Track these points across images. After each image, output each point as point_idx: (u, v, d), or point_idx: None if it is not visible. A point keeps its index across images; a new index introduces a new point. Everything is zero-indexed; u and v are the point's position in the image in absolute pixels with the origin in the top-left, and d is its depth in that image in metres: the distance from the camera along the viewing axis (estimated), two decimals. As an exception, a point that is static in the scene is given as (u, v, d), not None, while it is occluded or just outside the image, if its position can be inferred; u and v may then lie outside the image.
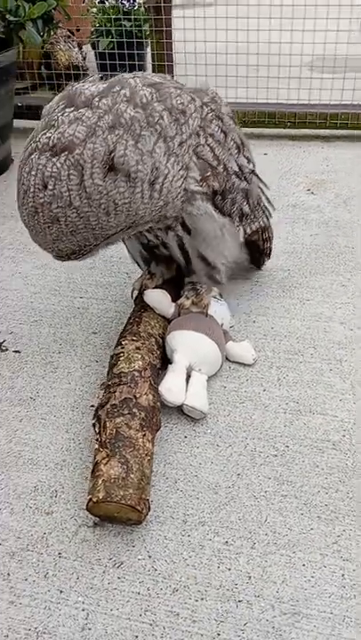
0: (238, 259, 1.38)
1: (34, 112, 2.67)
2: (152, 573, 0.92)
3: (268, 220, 1.48)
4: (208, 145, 1.15)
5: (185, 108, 1.11)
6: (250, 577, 0.90)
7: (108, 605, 0.88)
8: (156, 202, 1.08)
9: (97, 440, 1.04)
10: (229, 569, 0.92)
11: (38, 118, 2.90)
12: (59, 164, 0.99)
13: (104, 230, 1.07)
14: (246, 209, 1.35)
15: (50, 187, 1.00)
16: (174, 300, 1.34)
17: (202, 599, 0.88)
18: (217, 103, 1.23)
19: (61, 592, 0.91)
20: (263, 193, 1.44)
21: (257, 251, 1.54)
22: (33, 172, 1.01)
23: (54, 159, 0.99)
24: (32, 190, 1.02)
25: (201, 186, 1.15)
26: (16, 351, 1.41)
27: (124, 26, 2.73)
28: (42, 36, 2.23)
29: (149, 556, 0.94)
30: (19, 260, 1.77)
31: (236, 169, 1.26)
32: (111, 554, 0.95)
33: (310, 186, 2.09)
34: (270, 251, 1.57)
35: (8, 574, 0.93)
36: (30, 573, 0.93)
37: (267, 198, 1.46)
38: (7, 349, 1.42)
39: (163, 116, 1.07)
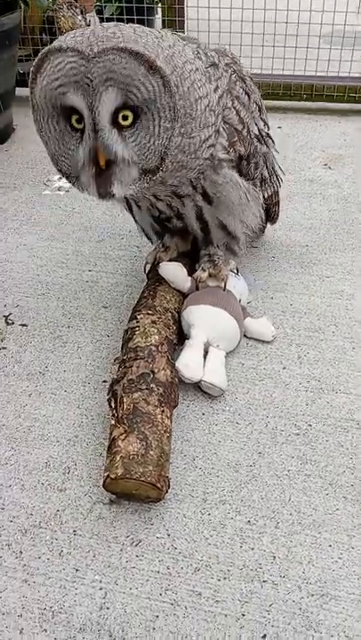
0: (257, 225, 1.32)
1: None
2: (172, 552, 0.88)
3: (279, 184, 1.43)
4: (234, 108, 1.09)
5: (217, 62, 1.06)
6: (274, 557, 0.87)
7: (126, 584, 0.85)
8: (187, 152, 1.01)
9: (113, 416, 0.99)
10: (253, 548, 0.88)
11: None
12: None
13: (193, 143, 1.01)
14: (265, 173, 1.30)
15: None
16: (190, 273, 1.29)
17: (225, 579, 0.85)
18: (237, 64, 1.17)
19: (77, 570, 0.87)
20: (275, 158, 1.39)
21: (266, 215, 1.48)
22: None
23: None
24: None
25: (228, 152, 1.09)
26: (23, 324, 1.36)
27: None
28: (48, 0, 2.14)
29: (168, 535, 0.91)
30: (23, 231, 1.71)
31: (257, 132, 1.21)
32: (128, 532, 0.92)
33: (327, 160, 2.03)
34: (278, 215, 1.51)
35: (20, 552, 0.90)
36: (44, 551, 0.90)
37: (278, 164, 1.41)
38: (13, 323, 1.37)
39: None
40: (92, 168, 0.98)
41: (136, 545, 0.90)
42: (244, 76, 1.16)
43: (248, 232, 1.27)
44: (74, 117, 0.97)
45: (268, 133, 1.31)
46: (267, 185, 1.33)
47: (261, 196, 1.29)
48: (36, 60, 0.96)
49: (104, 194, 1.01)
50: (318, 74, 2.38)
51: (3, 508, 0.96)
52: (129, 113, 0.96)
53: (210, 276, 1.27)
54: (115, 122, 0.95)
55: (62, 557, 0.89)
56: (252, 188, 1.21)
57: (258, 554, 0.87)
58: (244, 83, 1.15)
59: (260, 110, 1.23)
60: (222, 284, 1.26)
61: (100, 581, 0.85)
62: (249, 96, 1.15)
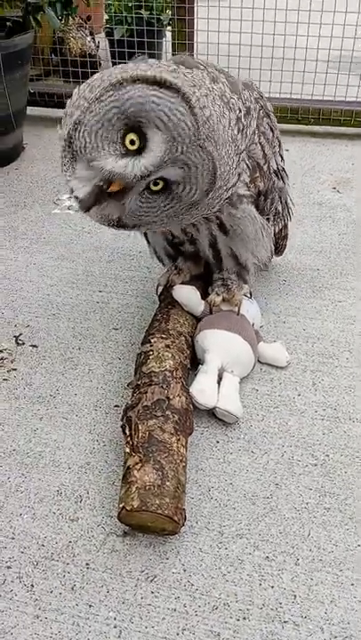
0: (267, 259, 1.32)
1: (46, 100, 2.60)
2: (188, 589, 0.86)
3: (290, 217, 1.43)
4: (260, 143, 1.10)
5: (251, 106, 1.06)
6: (295, 596, 0.84)
7: (142, 622, 0.82)
8: (212, 196, 1.02)
9: (127, 443, 0.97)
10: (272, 586, 0.85)
11: (51, 106, 2.83)
12: None
13: (180, 224, 1.04)
14: (279, 208, 1.31)
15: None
16: (203, 296, 1.28)
17: (244, 618, 0.82)
18: (263, 98, 1.18)
19: (90, 606, 0.84)
20: (288, 192, 1.39)
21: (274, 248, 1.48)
22: None
23: None
24: None
25: (249, 189, 1.09)
26: (33, 345, 1.34)
27: (141, 14, 2.66)
28: (60, 20, 2.15)
29: (184, 570, 0.88)
30: (33, 250, 1.70)
31: (275, 167, 1.21)
32: (143, 566, 0.89)
33: (336, 184, 2.03)
34: (285, 248, 1.51)
35: (32, 585, 0.87)
36: (56, 585, 0.87)
37: (290, 197, 1.41)
38: (24, 343, 1.35)
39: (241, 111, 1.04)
40: (100, 181, 0.96)
41: (151, 580, 0.87)
42: (269, 112, 1.18)
43: (258, 264, 1.27)
44: (132, 137, 0.93)
45: (283, 167, 1.31)
46: (279, 219, 1.34)
47: (272, 231, 1.29)
48: (151, 71, 0.91)
49: (83, 203, 0.98)
50: (326, 98, 2.39)
51: (13, 538, 0.93)
52: (162, 183, 0.97)
53: (224, 300, 1.26)
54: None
55: (75, 592, 0.86)
56: (266, 223, 1.21)
57: (278, 592, 0.85)
58: (270, 119, 1.16)
59: (280, 145, 1.24)
60: (236, 309, 1.25)
61: (115, 618, 0.82)
62: (273, 132, 1.17)
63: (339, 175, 2.10)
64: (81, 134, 0.96)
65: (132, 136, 0.92)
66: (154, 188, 0.97)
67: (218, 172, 0.97)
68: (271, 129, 1.16)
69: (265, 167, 1.13)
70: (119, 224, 1.01)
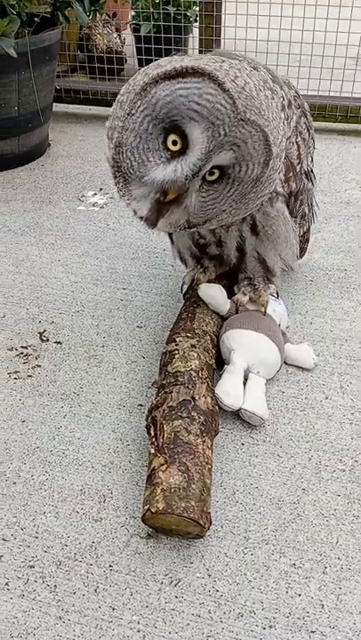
0: (292, 262, 1.29)
1: (72, 96, 2.60)
2: (213, 594, 0.84)
3: (314, 220, 1.40)
4: (296, 143, 1.07)
5: (291, 100, 1.04)
6: (323, 605, 0.82)
7: (165, 628, 0.80)
8: (272, 166, 0.98)
9: (152, 444, 0.96)
10: (299, 595, 0.83)
11: (76, 102, 2.83)
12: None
13: (247, 208, 1.01)
14: (306, 210, 1.28)
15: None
16: (229, 295, 1.26)
17: (270, 627, 0.80)
18: (300, 98, 1.15)
19: (114, 609, 0.83)
20: (314, 194, 1.36)
21: None
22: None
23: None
24: None
25: (283, 187, 1.07)
26: (57, 342, 1.33)
27: (167, 10, 2.64)
28: (88, 16, 2.15)
29: (209, 575, 0.86)
30: (58, 246, 1.69)
31: (306, 169, 1.19)
32: (167, 569, 0.87)
33: (364, 183, 1.99)
34: (306, 252, 1.48)
35: (55, 586, 0.86)
36: (79, 586, 0.86)
37: (315, 198, 1.38)
38: (48, 340, 1.34)
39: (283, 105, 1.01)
40: (156, 194, 0.95)
41: (175, 585, 0.85)
42: (306, 112, 1.15)
43: (284, 268, 1.24)
44: (173, 138, 0.91)
45: (312, 169, 1.28)
46: (304, 221, 1.31)
47: (298, 233, 1.27)
48: (170, 65, 0.89)
49: (148, 220, 0.98)
50: (354, 95, 2.35)
51: (37, 537, 0.92)
52: (217, 171, 0.94)
53: (250, 299, 1.23)
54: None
55: (98, 594, 0.85)
56: (295, 226, 1.19)
57: (305, 601, 0.83)
58: (306, 118, 1.14)
59: (314, 146, 1.21)
60: (263, 309, 1.23)
61: (138, 622, 0.81)
62: (309, 132, 1.14)
63: (367, 174, 2.06)
64: (125, 155, 0.95)
65: (172, 137, 0.91)
66: (210, 179, 0.95)
67: (270, 138, 0.91)
68: (308, 129, 1.14)
69: (298, 167, 1.10)
70: (190, 226, 1.00)
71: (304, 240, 1.41)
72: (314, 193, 1.34)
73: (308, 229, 1.40)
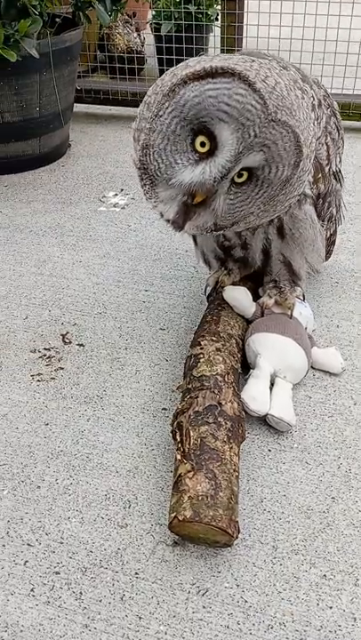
0: (318, 266, 1.26)
1: (92, 96, 2.59)
2: (242, 605, 0.82)
3: (341, 222, 1.37)
4: (326, 144, 1.05)
5: (321, 100, 1.01)
6: (355, 618, 0.80)
7: (193, 639, 0.79)
8: (302, 167, 0.96)
9: (178, 449, 0.94)
10: (331, 607, 0.81)
11: (97, 103, 2.82)
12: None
13: (275, 211, 0.99)
14: (334, 212, 1.26)
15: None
16: (254, 298, 1.24)
17: (301, 640, 0.78)
18: (330, 97, 1.12)
19: (140, 618, 0.82)
20: (341, 195, 1.33)
21: None
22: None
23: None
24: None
25: (311, 189, 1.05)
26: (80, 344, 1.33)
27: (188, 9, 2.62)
28: (109, 16, 2.14)
29: (237, 585, 0.85)
30: (79, 248, 1.69)
31: (335, 169, 1.16)
32: (194, 578, 0.86)
33: (390, 182, 1.95)
34: (331, 254, 1.44)
35: (81, 593, 0.85)
36: (105, 594, 0.85)
37: (342, 199, 1.35)
38: (71, 342, 1.34)
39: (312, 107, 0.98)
40: (183, 196, 0.93)
41: (203, 594, 0.84)
42: (336, 111, 1.12)
43: (310, 272, 1.22)
44: (201, 140, 0.89)
45: (340, 169, 1.25)
46: (331, 223, 1.28)
47: (324, 236, 1.24)
48: (199, 65, 0.87)
49: (175, 223, 0.97)
50: (379, 93, 2.31)
51: (62, 542, 0.92)
52: (246, 172, 0.93)
53: (276, 302, 1.21)
54: None
55: (124, 602, 0.83)
56: (321, 228, 1.16)
57: (336, 614, 0.80)
58: (336, 118, 1.11)
59: (342, 146, 1.18)
60: (289, 312, 1.20)
61: (166, 633, 0.80)
62: (338, 132, 1.11)
63: (393, 173, 2.02)
64: (152, 157, 0.93)
65: (201, 139, 0.89)
66: (239, 180, 0.93)
67: (301, 139, 0.89)
68: (337, 128, 1.11)
69: (327, 168, 1.08)
70: (217, 228, 0.98)
71: (330, 242, 1.38)
72: (342, 194, 1.31)
73: (335, 231, 1.37)
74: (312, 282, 1.48)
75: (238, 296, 1.21)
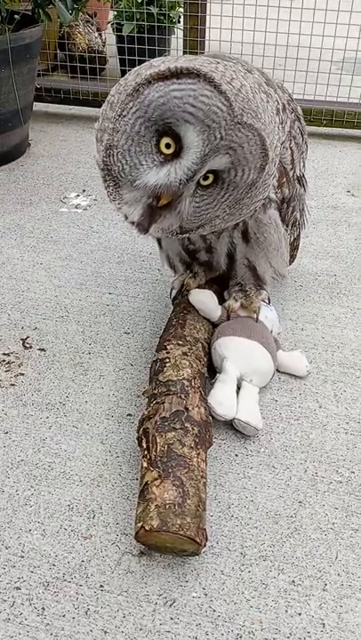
0: (282, 270, 1.27)
1: (52, 95, 2.54)
2: (210, 615, 0.80)
3: (304, 226, 1.38)
4: (290, 148, 1.05)
5: (285, 104, 1.01)
6: (324, 624, 0.79)
7: (161, 652, 0.77)
8: (267, 170, 0.95)
9: (144, 457, 0.92)
10: (300, 614, 0.80)
11: (57, 102, 2.76)
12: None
13: (241, 214, 0.98)
14: (298, 217, 1.26)
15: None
16: (219, 301, 1.23)
17: (270, 649, 0.77)
18: (294, 102, 1.13)
19: (106, 633, 0.79)
20: (305, 200, 1.34)
21: None
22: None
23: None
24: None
25: (276, 193, 1.04)
26: (41, 349, 1.28)
27: (150, 10, 2.60)
28: (70, 14, 2.10)
29: (205, 594, 0.83)
30: (40, 249, 1.64)
31: (299, 174, 1.16)
32: (161, 589, 0.84)
33: (350, 187, 1.98)
34: (295, 258, 1.46)
35: (43, 609, 0.81)
36: (69, 609, 0.81)
37: (306, 205, 1.36)
38: (31, 347, 1.29)
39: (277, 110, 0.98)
40: (148, 198, 0.91)
41: (170, 605, 0.82)
42: (299, 116, 1.13)
43: (274, 276, 1.22)
44: (166, 141, 0.88)
45: (304, 174, 1.26)
46: (295, 227, 1.29)
47: (288, 240, 1.25)
48: (164, 65, 0.85)
49: (140, 225, 0.95)
50: (339, 99, 2.35)
51: (22, 557, 0.88)
52: (212, 175, 0.91)
53: (242, 306, 1.21)
54: None
55: (89, 617, 0.80)
56: (285, 233, 1.17)
57: (305, 620, 0.80)
58: (300, 122, 1.11)
59: (307, 151, 1.19)
60: (255, 315, 1.20)
61: (132, 647, 0.77)
62: (302, 137, 1.12)
63: (353, 179, 2.05)
64: (115, 158, 0.91)
65: (166, 140, 0.87)
66: (204, 183, 0.91)
67: (267, 143, 0.88)
68: (301, 133, 1.11)
69: (291, 173, 1.08)
70: (183, 231, 0.96)
71: (294, 247, 1.39)
72: (305, 199, 1.32)
73: (299, 235, 1.38)
74: (276, 285, 1.48)
75: (204, 299, 1.20)
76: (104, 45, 3.03)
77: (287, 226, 1.19)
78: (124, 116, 0.89)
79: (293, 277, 1.53)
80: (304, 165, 1.25)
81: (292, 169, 1.09)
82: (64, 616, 0.80)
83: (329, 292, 1.47)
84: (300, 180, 1.21)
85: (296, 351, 1.22)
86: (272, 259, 1.16)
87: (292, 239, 1.30)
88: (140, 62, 0.94)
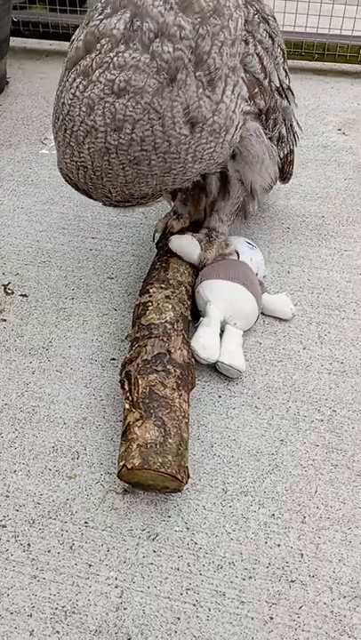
0: (270, 185, 1.22)
1: (31, 29, 2.40)
2: (192, 547, 0.83)
3: (296, 142, 1.33)
4: (257, 54, 0.98)
5: (218, 7, 0.89)
6: (302, 555, 0.82)
7: (144, 582, 0.79)
8: (228, 144, 0.95)
9: (127, 399, 0.92)
10: (278, 545, 0.83)
11: (35, 36, 2.59)
12: (131, 108, 0.85)
13: (186, 175, 0.95)
14: (283, 131, 1.20)
15: (127, 130, 0.87)
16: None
17: (250, 578, 0.79)
18: (260, 2, 1.04)
19: (90, 566, 0.81)
20: (294, 114, 1.27)
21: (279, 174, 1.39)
22: (99, 111, 0.87)
23: (121, 100, 0.85)
24: (102, 130, 0.87)
25: (249, 105, 0.99)
26: (23, 295, 1.26)
27: None
28: None
29: (187, 528, 0.85)
30: (20, 193, 1.59)
31: (278, 84, 1.10)
32: (144, 524, 0.86)
33: (341, 125, 1.91)
34: (291, 175, 1.40)
35: (29, 545, 0.83)
36: (54, 544, 0.83)
37: (296, 120, 1.30)
38: (13, 292, 1.27)
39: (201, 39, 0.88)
40: None
41: (153, 539, 0.84)
42: (267, 17, 1.04)
43: (265, 191, 1.18)
44: None
45: (288, 86, 1.19)
46: (283, 143, 1.23)
47: (277, 156, 1.19)
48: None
49: None
50: (332, 32, 2.23)
51: (7, 496, 0.89)
52: None
53: (202, 250, 1.17)
54: None
55: (74, 551, 0.82)
56: (272, 144, 1.12)
57: (284, 551, 0.82)
58: (268, 24, 1.03)
59: (284, 56, 1.11)
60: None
61: (116, 578, 0.80)
62: (273, 40, 1.04)
63: (344, 116, 1.98)
64: None
65: None
66: None
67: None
68: (271, 36, 1.03)
69: (265, 82, 1.02)
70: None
71: (288, 162, 1.33)
72: (294, 112, 1.25)
73: (291, 151, 1.32)
74: (263, 227, 1.45)
75: (184, 244, 1.17)
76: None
77: (272, 140, 1.14)
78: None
79: (281, 219, 1.49)
80: (287, 75, 1.18)
81: (265, 77, 1.02)
82: (49, 551, 0.82)
83: (316, 233, 1.44)
84: (283, 91, 1.15)
85: (282, 294, 1.21)
86: (259, 171, 1.12)
87: (282, 155, 1.24)
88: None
